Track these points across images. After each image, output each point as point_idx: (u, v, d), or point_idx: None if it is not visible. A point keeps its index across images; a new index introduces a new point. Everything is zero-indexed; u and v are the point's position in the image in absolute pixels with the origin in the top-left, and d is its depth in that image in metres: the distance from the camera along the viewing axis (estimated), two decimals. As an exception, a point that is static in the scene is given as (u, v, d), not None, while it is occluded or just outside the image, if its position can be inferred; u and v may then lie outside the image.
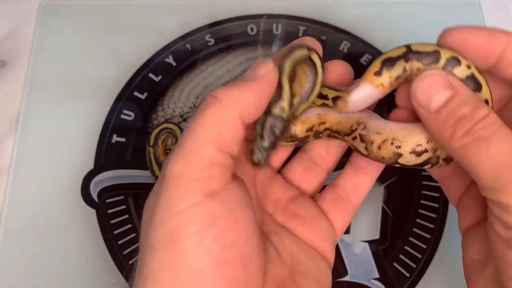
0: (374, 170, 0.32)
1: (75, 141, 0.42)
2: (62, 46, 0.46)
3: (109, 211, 0.39)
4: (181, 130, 0.42)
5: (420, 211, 0.39)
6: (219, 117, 0.23)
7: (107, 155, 0.41)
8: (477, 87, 0.25)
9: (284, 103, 0.27)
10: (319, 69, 0.28)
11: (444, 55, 0.25)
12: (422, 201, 0.40)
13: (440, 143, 0.25)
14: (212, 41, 0.46)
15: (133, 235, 0.38)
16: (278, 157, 0.33)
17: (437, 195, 0.40)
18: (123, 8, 0.48)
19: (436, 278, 0.37)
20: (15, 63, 0.45)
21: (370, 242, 0.38)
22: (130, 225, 0.39)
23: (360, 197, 0.32)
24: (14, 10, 0.48)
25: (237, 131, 0.24)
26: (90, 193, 0.40)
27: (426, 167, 0.27)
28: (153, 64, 0.45)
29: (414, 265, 0.38)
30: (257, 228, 0.25)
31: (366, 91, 0.27)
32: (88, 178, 0.40)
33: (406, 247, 0.38)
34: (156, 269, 0.22)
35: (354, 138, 0.28)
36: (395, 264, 0.38)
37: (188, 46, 0.46)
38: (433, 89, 0.25)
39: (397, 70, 0.26)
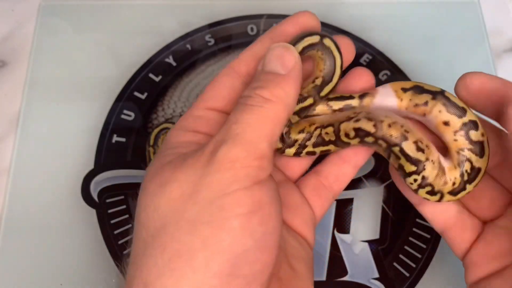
0: (360, 160, 0.32)
1: (75, 141, 0.42)
2: (62, 46, 0.46)
3: (109, 211, 0.39)
4: (181, 130, 0.42)
5: (420, 211, 0.39)
6: (274, 117, 0.25)
7: (107, 155, 0.41)
8: (481, 154, 0.28)
9: None
10: (335, 52, 0.29)
11: (469, 116, 0.28)
12: (422, 201, 0.40)
13: None
14: (212, 41, 0.46)
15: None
16: None
17: (437, 195, 0.40)
18: (123, 8, 0.48)
19: (436, 278, 0.37)
20: (15, 63, 0.45)
21: (370, 242, 0.38)
22: (130, 225, 0.39)
23: (341, 187, 0.32)
24: (14, 10, 0.48)
25: (282, 126, 0.26)
26: (90, 193, 0.40)
27: (413, 168, 0.28)
28: (153, 64, 0.45)
29: (414, 265, 0.38)
30: None
31: (389, 95, 0.29)
32: (88, 178, 0.40)
33: (406, 247, 0.38)
34: (196, 246, 0.22)
35: (357, 120, 0.28)
36: (395, 264, 0.38)
37: (188, 46, 0.46)
38: None
39: (420, 99, 0.29)
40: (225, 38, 0.47)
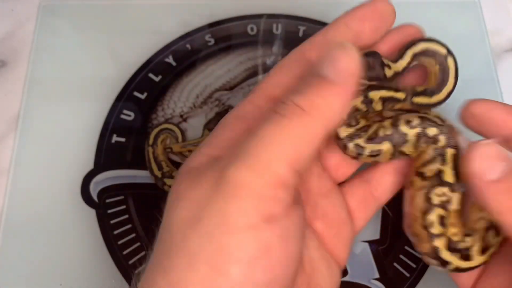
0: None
1: (75, 141, 0.42)
2: (62, 46, 0.46)
3: (109, 211, 0.39)
4: (181, 130, 0.42)
5: (420, 211, 0.39)
6: (304, 134, 0.20)
7: (107, 155, 0.41)
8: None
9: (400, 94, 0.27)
10: (452, 78, 0.27)
11: None
12: (422, 201, 0.40)
13: (495, 213, 0.23)
14: (212, 41, 0.46)
15: (133, 235, 0.38)
16: None
17: (437, 195, 0.40)
18: (123, 8, 0.48)
19: (436, 278, 0.37)
20: (15, 63, 0.45)
21: (370, 242, 0.38)
22: (130, 225, 0.38)
23: (388, 198, 0.30)
24: (14, 10, 0.48)
25: (316, 146, 0.21)
26: (90, 193, 0.40)
27: (452, 180, 0.26)
28: (153, 64, 0.45)
29: (414, 265, 0.38)
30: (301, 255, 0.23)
31: None
32: (88, 178, 0.40)
33: (406, 247, 0.38)
34: (193, 285, 0.19)
35: (424, 113, 0.27)
36: (395, 264, 0.38)
37: (188, 46, 0.46)
38: (489, 160, 0.22)
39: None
40: (225, 38, 0.46)
